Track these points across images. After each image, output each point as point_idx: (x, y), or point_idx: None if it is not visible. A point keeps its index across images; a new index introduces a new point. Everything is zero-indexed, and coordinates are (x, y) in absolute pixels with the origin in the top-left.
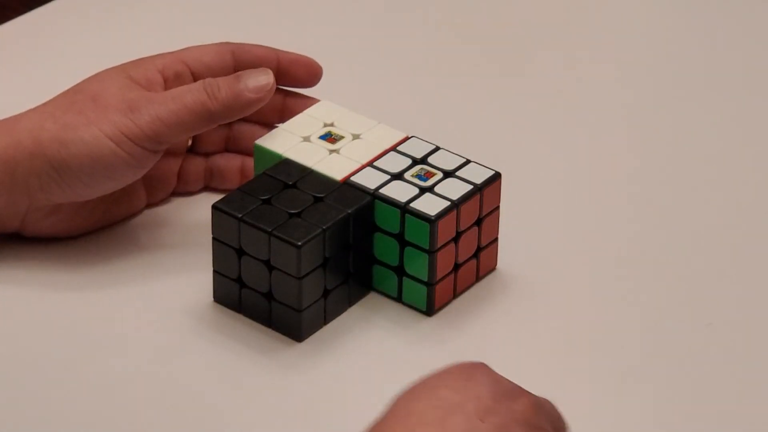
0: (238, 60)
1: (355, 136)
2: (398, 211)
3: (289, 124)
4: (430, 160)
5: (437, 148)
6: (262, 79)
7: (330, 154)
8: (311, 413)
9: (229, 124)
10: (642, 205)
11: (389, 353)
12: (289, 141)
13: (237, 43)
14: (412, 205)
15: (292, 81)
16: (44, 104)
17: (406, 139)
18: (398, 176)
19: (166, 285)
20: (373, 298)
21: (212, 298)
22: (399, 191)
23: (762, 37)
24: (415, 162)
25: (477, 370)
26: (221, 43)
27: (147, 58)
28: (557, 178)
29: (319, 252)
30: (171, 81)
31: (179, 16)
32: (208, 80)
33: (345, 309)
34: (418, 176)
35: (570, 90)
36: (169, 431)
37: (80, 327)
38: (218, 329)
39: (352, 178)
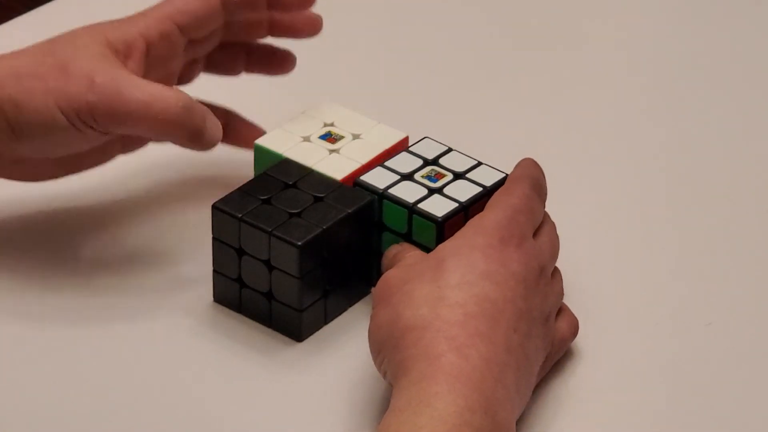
0: (227, 1)
1: (355, 136)
2: (406, 211)
3: (289, 124)
4: (441, 161)
5: (449, 150)
6: (217, 134)
7: (330, 154)
8: (311, 413)
9: (212, 55)
10: (642, 205)
11: None
12: (289, 141)
13: None
14: (419, 205)
15: (285, 7)
16: (14, 55)
17: (407, 140)
18: (408, 176)
19: (166, 285)
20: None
21: (212, 298)
22: (407, 191)
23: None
24: (427, 163)
25: (441, 264)
26: None
27: (130, 18)
28: (560, 179)
29: (319, 252)
30: (156, 43)
31: None
32: (190, 104)
33: (345, 309)
34: (428, 177)
35: (573, 90)
36: (169, 431)
37: (80, 327)
38: (218, 329)
39: (362, 177)
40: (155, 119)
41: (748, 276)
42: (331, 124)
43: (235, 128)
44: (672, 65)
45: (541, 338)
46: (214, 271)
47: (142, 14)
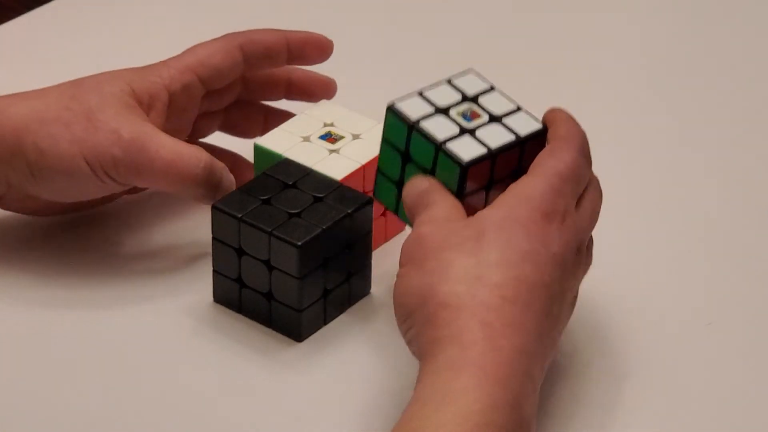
0: (248, 54)
1: (355, 136)
2: (433, 148)
3: (289, 124)
4: (480, 100)
5: (492, 89)
6: (231, 189)
7: (330, 154)
8: (311, 413)
9: (230, 115)
10: (641, 205)
11: (389, 353)
12: (289, 141)
13: (244, 34)
14: (447, 144)
15: (304, 61)
16: (37, 95)
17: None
18: (443, 111)
19: (166, 285)
20: (373, 298)
21: (212, 298)
22: (439, 127)
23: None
24: (465, 99)
25: (482, 237)
26: (228, 38)
27: (154, 68)
28: None
29: (319, 252)
30: (178, 95)
31: (179, 15)
32: (211, 164)
33: (345, 309)
34: (463, 115)
35: (573, 90)
36: (169, 431)
37: (80, 327)
38: (218, 329)
39: (397, 104)
40: (176, 177)
41: (748, 276)
42: (331, 124)
43: (241, 173)
44: (674, 62)
45: (567, 319)
46: (214, 271)
47: (165, 64)
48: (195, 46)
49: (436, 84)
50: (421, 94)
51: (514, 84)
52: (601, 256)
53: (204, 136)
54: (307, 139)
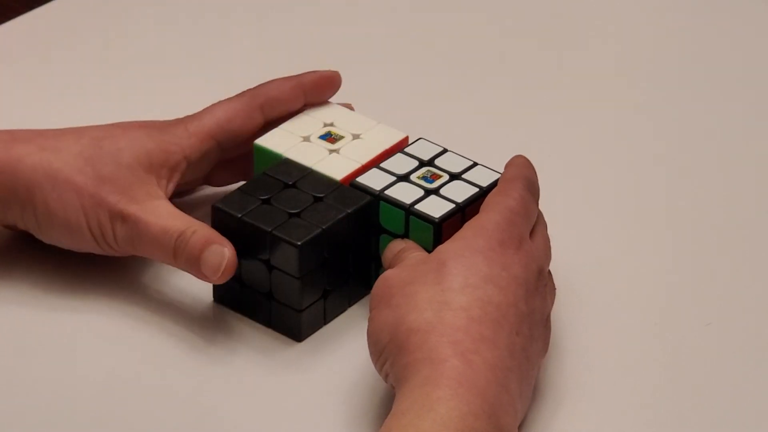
0: (268, 115)
1: (355, 136)
2: (403, 212)
3: (289, 124)
4: (437, 162)
5: (445, 151)
6: (216, 262)
7: (330, 154)
8: (311, 413)
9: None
10: (641, 205)
11: None
12: (289, 141)
13: (263, 93)
14: (416, 206)
15: (318, 99)
16: (55, 146)
17: (407, 140)
18: (404, 178)
19: (166, 285)
20: None
21: (212, 298)
22: (404, 193)
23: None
24: (422, 164)
25: (444, 267)
26: (248, 99)
27: (174, 132)
28: (560, 179)
29: (319, 252)
30: (195, 161)
31: (179, 15)
32: (211, 245)
33: (345, 309)
34: (424, 178)
35: (573, 90)
36: (169, 431)
37: (79, 327)
38: (218, 329)
39: (359, 179)
40: (177, 260)
41: (748, 276)
42: (331, 124)
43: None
44: (668, 65)
45: (542, 340)
46: None
47: (185, 129)
48: (214, 106)
49: (384, 154)
50: (378, 166)
51: (512, 81)
52: (601, 256)
53: (217, 185)
54: (307, 139)
